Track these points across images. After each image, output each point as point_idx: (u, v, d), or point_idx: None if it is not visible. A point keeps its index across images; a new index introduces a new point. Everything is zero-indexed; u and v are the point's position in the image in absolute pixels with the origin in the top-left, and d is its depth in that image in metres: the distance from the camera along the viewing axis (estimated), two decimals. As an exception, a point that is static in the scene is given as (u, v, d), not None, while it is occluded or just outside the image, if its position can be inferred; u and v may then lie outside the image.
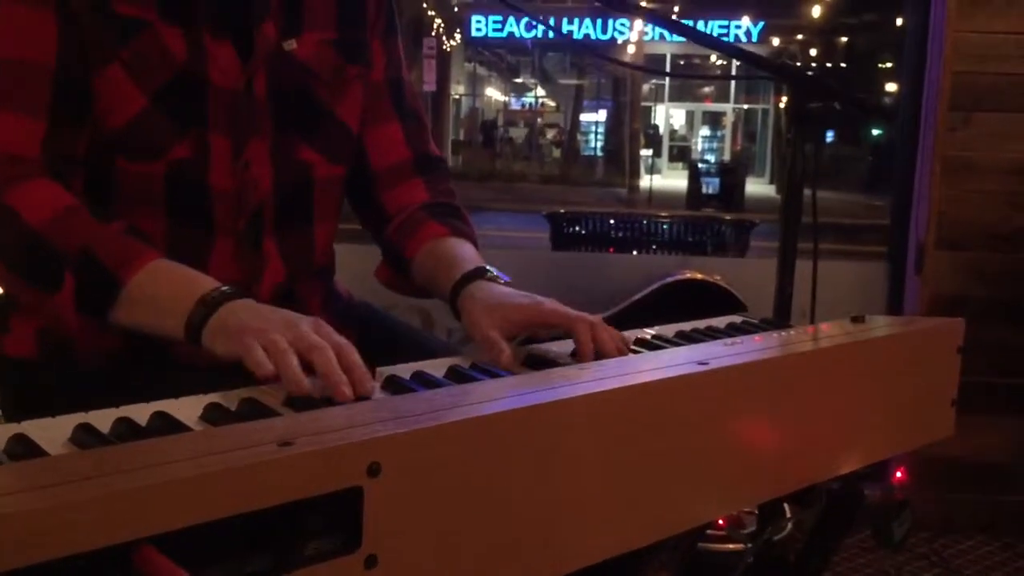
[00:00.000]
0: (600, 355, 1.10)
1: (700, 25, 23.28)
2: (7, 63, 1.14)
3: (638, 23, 19.80)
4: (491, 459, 0.78)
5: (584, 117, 27.98)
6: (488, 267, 1.24)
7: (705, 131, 27.95)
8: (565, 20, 23.32)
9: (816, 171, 1.45)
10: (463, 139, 26.43)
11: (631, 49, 19.78)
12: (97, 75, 1.16)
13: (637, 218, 5.48)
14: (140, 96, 1.18)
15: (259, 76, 1.25)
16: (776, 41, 23.68)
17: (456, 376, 1.02)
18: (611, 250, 4.87)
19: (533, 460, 0.81)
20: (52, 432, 0.79)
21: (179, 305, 1.03)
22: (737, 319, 1.37)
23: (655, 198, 18.53)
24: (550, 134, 28.20)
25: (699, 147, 26.49)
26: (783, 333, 1.22)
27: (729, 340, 1.15)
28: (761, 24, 23.28)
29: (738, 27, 23.26)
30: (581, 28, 23.22)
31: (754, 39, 23.57)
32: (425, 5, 19.01)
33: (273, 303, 1.06)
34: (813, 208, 1.49)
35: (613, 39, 22.76)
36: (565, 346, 1.15)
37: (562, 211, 5.61)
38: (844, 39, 24.20)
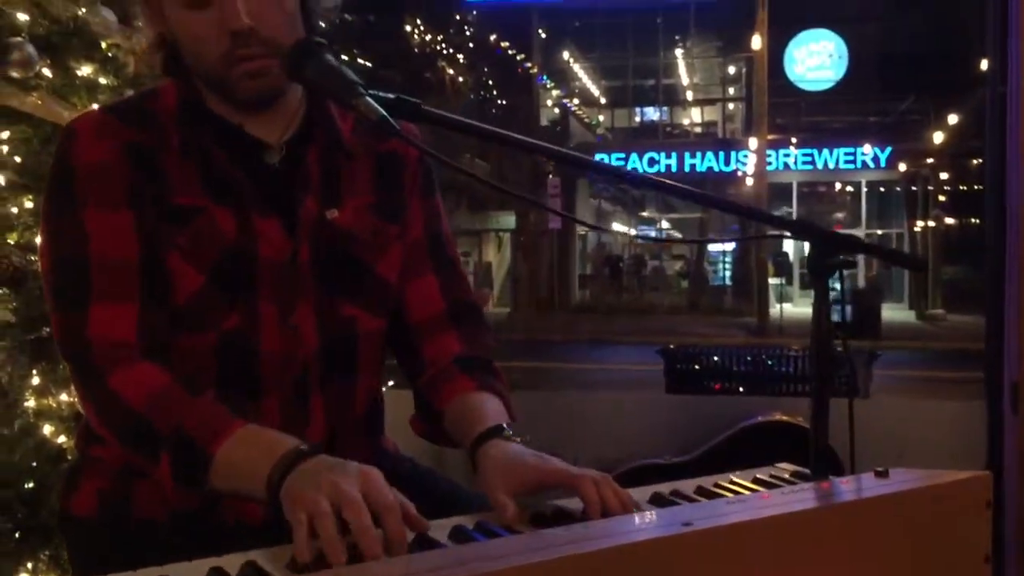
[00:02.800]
0: (606, 512, 1.15)
1: (825, 153, 23.31)
2: (102, 262, 1.29)
3: (752, 157, 19.87)
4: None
5: (711, 247, 27.93)
6: (505, 425, 1.30)
7: (837, 258, 27.35)
8: (688, 154, 23.67)
9: (844, 304, 1.48)
10: (589, 273, 26.71)
11: (750, 182, 19.78)
12: (161, 260, 1.30)
13: (754, 351, 5.41)
14: (197, 275, 1.31)
15: (303, 245, 1.36)
16: (903, 166, 23.31)
17: (457, 536, 1.08)
18: (717, 387, 4.81)
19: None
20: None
21: (260, 470, 1.12)
22: (766, 473, 1.38)
23: (786, 327, 18.15)
24: (677, 265, 28.21)
25: (831, 274, 25.99)
26: (796, 489, 1.22)
27: (733, 498, 1.17)
28: (889, 150, 23.02)
29: (864, 154, 23.04)
30: (704, 161, 23.48)
31: (882, 164, 23.28)
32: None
33: None
34: (844, 346, 1.51)
35: (736, 171, 22.88)
36: (577, 502, 1.20)
37: (673, 346, 5.61)
38: (977, 161, 23.67)
